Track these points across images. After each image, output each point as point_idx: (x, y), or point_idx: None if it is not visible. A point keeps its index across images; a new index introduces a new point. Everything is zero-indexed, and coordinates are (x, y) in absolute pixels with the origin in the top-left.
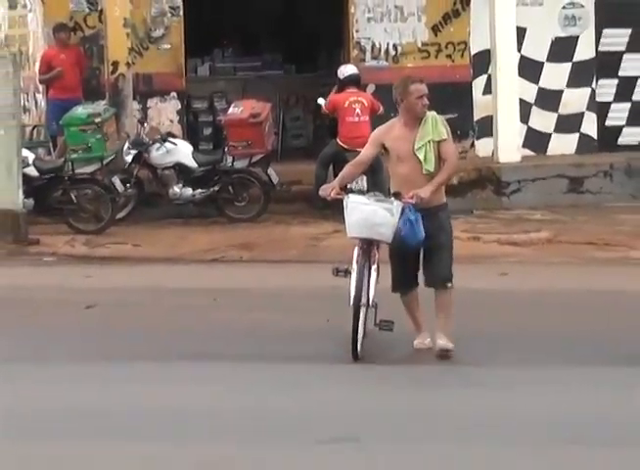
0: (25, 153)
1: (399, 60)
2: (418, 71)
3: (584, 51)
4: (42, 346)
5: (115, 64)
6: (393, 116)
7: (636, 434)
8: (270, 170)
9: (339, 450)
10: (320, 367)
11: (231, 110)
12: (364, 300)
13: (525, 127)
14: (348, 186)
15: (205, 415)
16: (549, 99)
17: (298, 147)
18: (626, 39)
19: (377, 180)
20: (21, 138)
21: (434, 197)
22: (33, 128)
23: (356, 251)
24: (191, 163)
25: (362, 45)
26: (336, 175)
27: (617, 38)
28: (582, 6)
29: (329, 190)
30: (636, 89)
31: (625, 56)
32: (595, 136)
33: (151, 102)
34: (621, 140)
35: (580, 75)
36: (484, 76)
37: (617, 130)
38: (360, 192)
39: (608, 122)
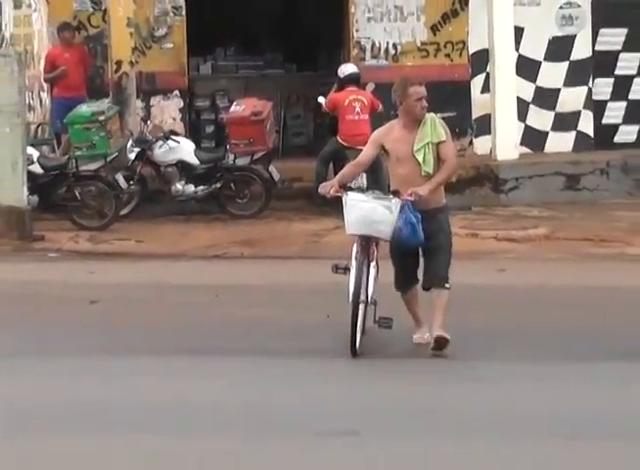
0: (30, 150)
1: (399, 59)
2: (417, 70)
3: (581, 50)
4: (46, 340)
5: (119, 63)
6: (393, 114)
7: (633, 429)
8: (271, 168)
9: (339, 444)
10: (320, 362)
11: (233, 108)
12: (363, 296)
13: (523, 125)
14: (348, 184)
15: (207, 409)
16: (546, 97)
17: (299, 145)
18: (622, 39)
19: (377, 178)
20: (25, 136)
21: (434, 198)
22: (38, 126)
23: (355, 248)
24: (193, 160)
25: (362, 44)
26: (336, 173)
27: (613, 38)
28: (579, 6)
29: (328, 188)
30: (632, 88)
31: (621, 55)
32: (592, 134)
33: (154, 100)
34: (618, 138)
35: (577, 74)
36: (483, 75)
37: (614, 128)
38: (360, 190)
39: (604, 121)
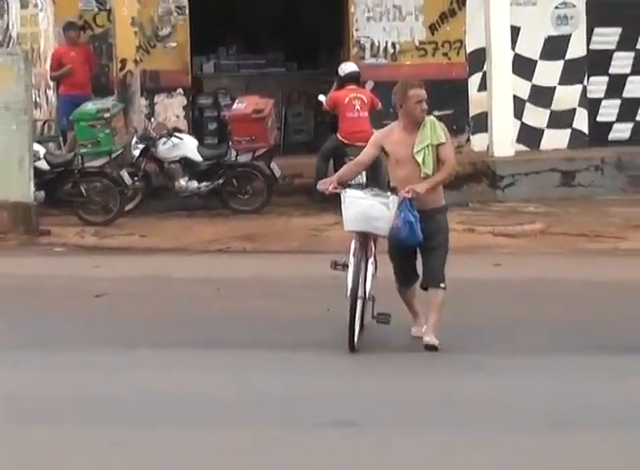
0: (37, 147)
1: (398, 58)
2: (416, 69)
3: (576, 49)
4: (52, 333)
5: (124, 61)
6: (392, 111)
7: (628, 420)
8: (273, 164)
9: (338, 435)
10: (320, 355)
11: (235, 105)
12: (361, 292)
13: (519, 123)
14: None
15: (209, 401)
16: (542, 96)
17: (300, 142)
18: (616, 38)
19: (376, 176)
20: (32, 133)
21: (432, 198)
22: (44, 123)
23: (353, 244)
24: (196, 157)
25: (362, 43)
26: (336, 169)
27: (607, 37)
28: (574, 6)
29: (327, 184)
30: (626, 86)
31: (615, 54)
32: (586, 131)
33: (158, 98)
34: (612, 135)
35: (572, 73)
36: (480, 74)
37: (608, 126)
38: (359, 186)
39: (599, 118)
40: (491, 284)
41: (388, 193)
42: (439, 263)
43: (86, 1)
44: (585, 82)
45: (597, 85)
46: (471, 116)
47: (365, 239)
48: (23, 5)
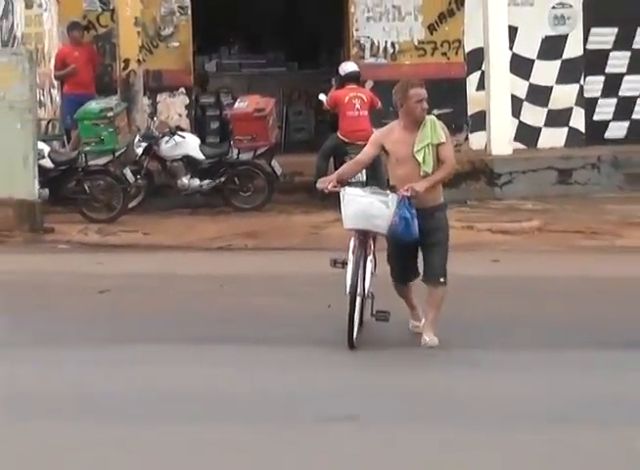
0: (41, 145)
1: (397, 57)
2: (415, 69)
3: (573, 49)
4: (56, 329)
5: (127, 61)
6: (392, 110)
7: (627, 415)
8: (274, 162)
9: (338, 429)
10: (321, 350)
11: (237, 104)
12: (360, 290)
13: (517, 122)
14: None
15: (211, 396)
16: (539, 95)
17: (301, 140)
18: (613, 38)
19: (375, 174)
20: (36, 131)
21: (431, 196)
22: (49, 122)
23: (352, 242)
24: (198, 155)
25: (362, 43)
26: (336, 167)
27: (604, 37)
28: (571, 6)
29: (326, 183)
30: (622, 85)
31: (612, 54)
32: (583, 130)
33: (160, 97)
34: (608, 134)
35: (569, 72)
36: (478, 73)
37: (604, 124)
38: (359, 183)
39: (595, 117)
40: (490, 281)
41: (388, 191)
42: (439, 260)
43: (90, 1)
44: (582, 82)
45: (593, 84)
46: (469, 114)
47: (364, 237)
48: (28, 5)
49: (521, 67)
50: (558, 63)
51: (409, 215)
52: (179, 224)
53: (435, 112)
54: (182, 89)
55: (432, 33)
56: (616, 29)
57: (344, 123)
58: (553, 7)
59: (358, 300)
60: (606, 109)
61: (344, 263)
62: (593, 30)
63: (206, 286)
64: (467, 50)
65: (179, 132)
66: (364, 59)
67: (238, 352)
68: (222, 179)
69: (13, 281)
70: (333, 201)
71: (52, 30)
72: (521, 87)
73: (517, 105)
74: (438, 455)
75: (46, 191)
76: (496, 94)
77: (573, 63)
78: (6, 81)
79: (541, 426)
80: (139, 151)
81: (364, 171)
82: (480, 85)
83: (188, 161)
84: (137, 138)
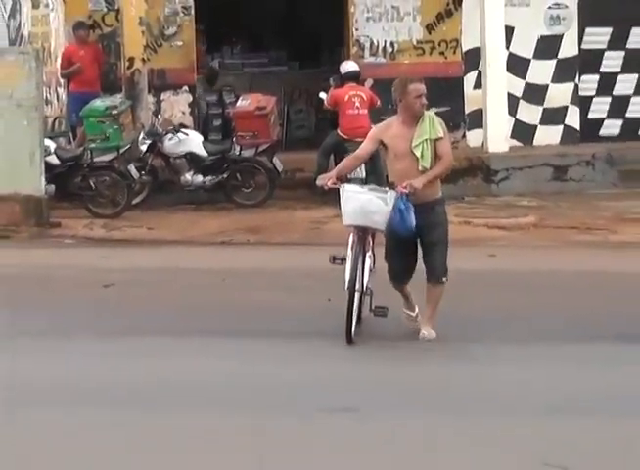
0: (47, 142)
1: (396, 56)
2: (413, 68)
3: (568, 49)
4: (61, 322)
5: (131, 60)
6: (391, 108)
7: (623, 407)
8: (275, 159)
9: (339, 420)
10: (321, 343)
11: (239, 102)
12: (358, 285)
13: (513, 120)
14: (348, 176)
15: (214, 388)
16: (535, 93)
17: (302, 137)
18: (607, 38)
19: (374, 169)
20: (43, 129)
21: (430, 191)
22: (55, 119)
23: (351, 238)
24: (201, 152)
25: (361, 43)
26: (336, 164)
27: (598, 37)
28: (566, 6)
29: (326, 180)
30: (616, 84)
31: (606, 53)
32: (578, 128)
33: (164, 95)
34: (603, 131)
35: (564, 71)
36: (475, 72)
37: (599, 122)
38: (359, 180)
39: (590, 115)
40: (487, 275)
41: (386, 188)
42: (441, 258)
43: (95, 1)
44: (577, 80)
45: (588, 83)
46: (466, 112)
47: (363, 233)
48: (35, 5)
49: (517, 66)
50: (553, 62)
51: (403, 207)
52: (182, 220)
53: (433, 110)
54: (185, 87)
55: (430, 33)
56: (610, 30)
57: (344, 121)
58: (549, 7)
59: (357, 295)
60: (600, 107)
61: (343, 260)
62: (588, 30)
63: (209, 280)
64: (464, 49)
65: (183, 130)
66: (364, 58)
67: (239, 345)
68: (225, 176)
69: (20, 275)
70: (333, 197)
71: (58, 30)
72: (517, 86)
73: (513, 103)
74: (437, 446)
75: (52, 187)
76: (493, 92)
77: (569, 62)
78: (13, 80)
79: (537, 418)
80: (143, 148)
81: (363, 168)
82: (478, 84)
83: (191, 157)
84: (141, 135)
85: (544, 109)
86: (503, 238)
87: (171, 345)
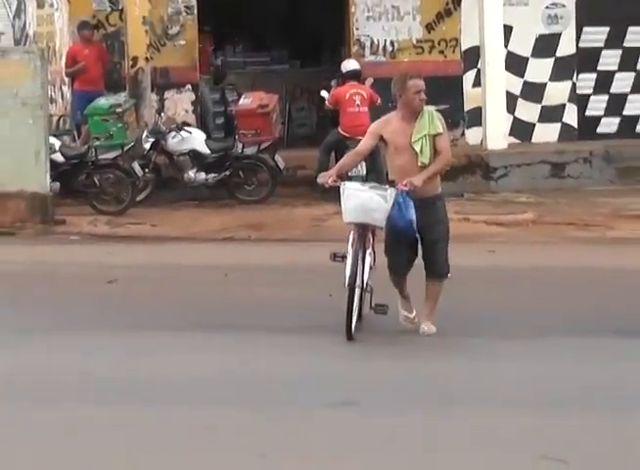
0: (52, 140)
1: (396, 55)
2: (413, 66)
3: (566, 47)
4: (65, 318)
5: (135, 59)
6: (391, 106)
7: (622, 402)
8: (277, 156)
9: (339, 414)
10: (322, 338)
11: (241, 101)
12: (359, 282)
13: (512, 117)
14: (349, 173)
15: (216, 382)
16: (533, 91)
17: (303, 135)
18: (604, 36)
19: (374, 165)
20: (48, 127)
21: (430, 187)
22: (60, 118)
23: (352, 235)
24: (204, 149)
25: (362, 42)
26: (337, 162)
27: (596, 35)
28: (564, 6)
29: (326, 177)
30: (613, 82)
31: (604, 52)
32: (576, 125)
33: (167, 93)
34: (600, 129)
35: (562, 70)
36: (474, 71)
37: (596, 120)
38: (360, 178)
39: (587, 113)
40: (486, 271)
41: (387, 186)
42: (442, 256)
43: (99, 1)
44: (575, 79)
45: (586, 81)
46: (466, 110)
47: (363, 230)
48: (40, 5)
49: (515, 64)
50: (551, 60)
51: (401, 200)
52: (185, 216)
53: (433, 108)
54: (188, 86)
55: (429, 32)
56: (607, 28)
57: (345, 119)
58: (547, 7)
59: (357, 291)
60: (598, 105)
61: (344, 257)
62: (585, 29)
63: (211, 276)
64: (463, 48)
65: (185, 127)
66: (364, 57)
67: (241, 340)
68: (227, 173)
69: (25, 271)
70: (333, 194)
71: (63, 29)
72: (515, 84)
73: (512, 101)
74: (437, 442)
75: (57, 184)
76: (492, 91)
77: (566, 60)
78: (18, 78)
79: (538, 412)
80: (147, 145)
81: (364, 165)
82: (477, 82)
83: (194, 155)
84: (145, 133)
85: (542, 107)
86: (502, 234)
87: (173, 339)
